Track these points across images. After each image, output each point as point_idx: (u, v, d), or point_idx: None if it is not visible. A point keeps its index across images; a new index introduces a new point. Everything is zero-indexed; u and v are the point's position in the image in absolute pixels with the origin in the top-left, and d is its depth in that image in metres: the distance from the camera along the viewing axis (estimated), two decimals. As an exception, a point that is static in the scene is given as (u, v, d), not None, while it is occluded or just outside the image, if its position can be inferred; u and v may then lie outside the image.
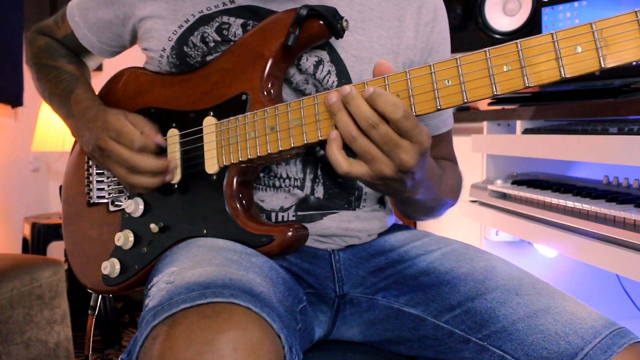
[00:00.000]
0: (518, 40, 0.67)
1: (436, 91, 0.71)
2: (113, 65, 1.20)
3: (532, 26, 2.03)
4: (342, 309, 0.94)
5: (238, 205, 0.87)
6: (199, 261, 0.77)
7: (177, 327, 0.65)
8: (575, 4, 1.73)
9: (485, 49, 0.69)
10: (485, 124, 1.87)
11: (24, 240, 2.81)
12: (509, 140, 1.67)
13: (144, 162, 0.89)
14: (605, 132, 1.29)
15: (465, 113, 2.24)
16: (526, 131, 1.64)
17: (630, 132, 1.22)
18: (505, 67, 0.67)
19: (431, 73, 0.71)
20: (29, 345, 1.70)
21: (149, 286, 0.80)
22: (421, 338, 0.88)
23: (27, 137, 2.89)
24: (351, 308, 0.94)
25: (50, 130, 2.69)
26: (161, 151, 0.94)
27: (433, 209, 0.96)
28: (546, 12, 1.82)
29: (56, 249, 3.07)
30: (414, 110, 0.72)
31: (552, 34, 0.65)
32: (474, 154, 1.88)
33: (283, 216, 0.93)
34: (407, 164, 0.72)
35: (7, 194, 2.85)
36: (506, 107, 1.84)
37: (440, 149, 1.05)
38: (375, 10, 0.93)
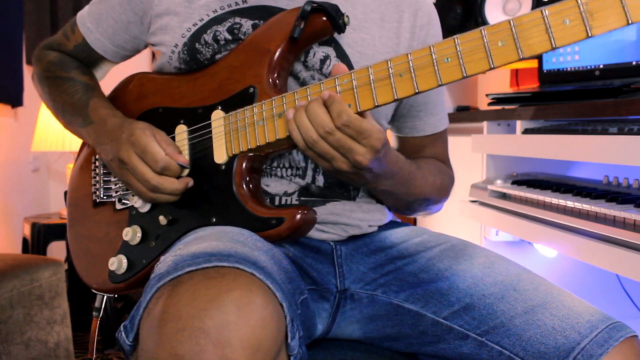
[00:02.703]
0: (510, 18, 0.72)
1: (436, 66, 0.76)
2: (112, 73, 1.20)
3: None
4: (343, 305, 0.95)
5: (247, 192, 0.89)
6: (206, 239, 0.79)
7: (182, 286, 0.66)
8: (575, 4, 1.72)
9: (480, 27, 0.74)
10: (485, 124, 1.87)
11: (24, 240, 2.81)
12: (509, 140, 1.67)
13: (166, 184, 0.91)
14: (605, 132, 1.29)
15: (465, 113, 2.24)
16: (526, 131, 1.64)
17: (630, 132, 1.22)
18: (500, 42, 0.72)
19: (431, 53, 0.76)
20: (29, 345, 1.70)
21: (156, 265, 0.81)
22: (420, 334, 0.89)
23: (27, 137, 2.89)
24: (352, 303, 0.95)
25: (50, 130, 2.68)
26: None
27: (411, 204, 1.00)
28: (546, 12, 1.82)
29: (56, 249, 3.07)
30: (416, 88, 0.77)
31: (541, 10, 0.70)
32: (474, 154, 1.88)
33: (287, 200, 0.95)
34: (361, 164, 0.79)
35: (7, 194, 2.85)
36: (506, 107, 1.84)
37: (435, 149, 1.09)
38: (376, 12, 0.98)
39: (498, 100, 1.88)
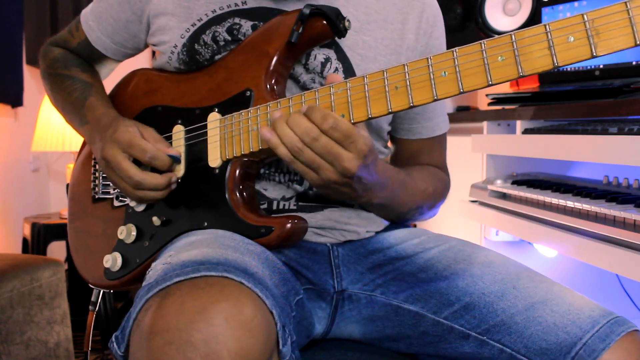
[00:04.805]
0: (512, 32, 0.69)
1: (433, 81, 0.74)
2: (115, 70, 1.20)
3: (532, 26, 2.03)
4: (341, 305, 0.95)
5: (239, 198, 0.88)
6: (196, 245, 0.78)
7: (170, 297, 0.66)
8: (575, 4, 1.73)
9: (480, 41, 0.71)
10: (485, 124, 1.87)
11: (24, 240, 2.80)
12: (509, 140, 1.67)
13: (149, 178, 0.90)
14: (605, 132, 1.29)
15: (465, 113, 2.24)
16: (526, 131, 1.64)
17: (630, 132, 1.22)
18: (499, 57, 0.70)
19: (428, 65, 0.74)
20: (29, 345, 1.70)
21: (147, 272, 0.81)
22: (421, 334, 0.89)
23: (27, 137, 2.89)
24: (350, 304, 0.95)
25: (50, 130, 2.68)
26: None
27: (404, 214, 1.00)
28: (546, 12, 1.82)
29: (56, 249, 3.07)
30: (411, 102, 0.75)
31: (545, 25, 0.67)
32: (474, 154, 1.88)
33: (285, 205, 0.94)
34: (349, 171, 0.78)
35: (7, 194, 2.85)
36: (506, 107, 1.84)
37: (432, 155, 1.08)
38: (379, 13, 0.97)
39: (498, 100, 1.88)
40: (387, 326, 0.92)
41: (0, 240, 2.76)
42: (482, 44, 0.70)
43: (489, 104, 1.94)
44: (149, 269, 0.80)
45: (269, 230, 0.84)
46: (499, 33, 2.10)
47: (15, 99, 2.83)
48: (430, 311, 0.88)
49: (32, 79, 3.02)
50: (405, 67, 0.75)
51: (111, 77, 1.18)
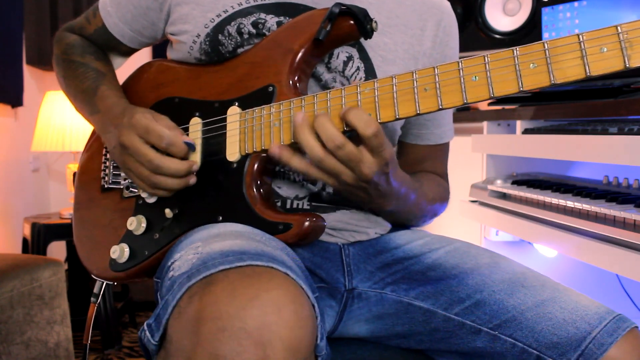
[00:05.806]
0: (545, 40, 0.70)
1: (463, 85, 0.73)
2: (124, 65, 1.19)
3: (532, 26, 2.03)
4: (350, 304, 0.96)
5: (256, 194, 0.87)
6: (224, 237, 0.77)
7: (218, 284, 0.65)
8: (575, 4, 1.73)
9: (512, 47, 0.71)
10: (485, 124, 1.87)
11: (24, 240, 2.80)
12: (509, 140, 1.67)
13: (168, 163, 0.88)
14: (605, 132, 1.30)
15: (465, 113, 2.24)
16: (526, 131, 1.64)
17: (630, 132, 1.22)
18: (531, 64, 0.70)
19: (459, 69, 0.74)
20: (29, 345, 1.70)
21: (169, 264, 0.79)
22: (432, 331, 0.91)
23: (27, 137, 2.89)
24: (359, 302, 0.96)
25: (50, 130, 2.68)
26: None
27: (410, 220, 1.03)
28: (546, 12, 1.82)
29: (56, 249, 3.07)
30: (440, 104, 0.75)
31: (578, 35, 0.68)
32: (474, 154, 1.88)
33: (298, 204, 0.94)
34: (367, 177, 0.78)
35: (7, 194, 2.85)
36: (506, 107, 1.84)
37: (436, 162, 1.10)
38: (400, 17, 0.98)
39: (498, 100, 1.88)
40: (397, 323, 0.94)
41: (0, 240, 2.76)
42: (515, 50, 0.71)
43: (489, 104, 1.94)
44: (173, 260, 0.78)
45: (287, 227, 0.83)
46: (499, 33, 2.11)
47: (15, 99, 2.83)
48: (441, 308, 0.90)
49: (32, 79, 3.02)
50: (435, 69, 0.75)
51: (119, 70, 1.16)
